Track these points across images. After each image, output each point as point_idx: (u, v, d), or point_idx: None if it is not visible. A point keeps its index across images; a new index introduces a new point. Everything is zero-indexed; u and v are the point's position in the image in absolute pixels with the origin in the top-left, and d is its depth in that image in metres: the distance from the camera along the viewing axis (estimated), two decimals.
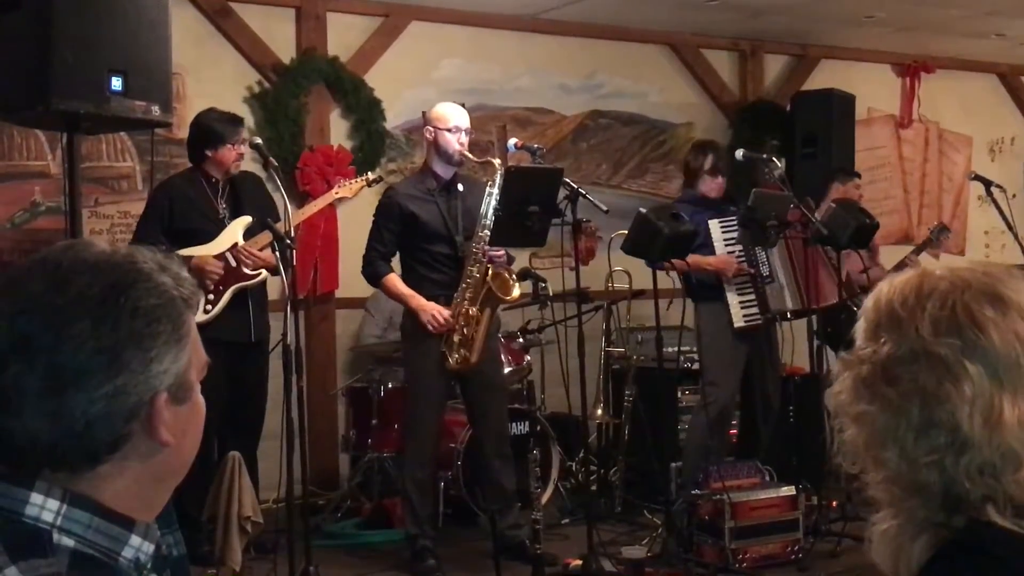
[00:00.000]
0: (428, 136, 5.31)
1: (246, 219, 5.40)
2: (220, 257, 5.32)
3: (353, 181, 5.75)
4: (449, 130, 5.21)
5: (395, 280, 5.24)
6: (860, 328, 1.42)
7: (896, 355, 1.35)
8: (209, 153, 5.39)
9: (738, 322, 5.66)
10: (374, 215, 5.36)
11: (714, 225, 5.65)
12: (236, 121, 5.50)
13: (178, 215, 5.35)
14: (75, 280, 1.21)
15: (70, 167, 4.07)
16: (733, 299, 5.68)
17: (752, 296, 5.72)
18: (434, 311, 5.08)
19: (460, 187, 5.27)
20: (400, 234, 5.23)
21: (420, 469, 5.26)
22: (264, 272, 5.38)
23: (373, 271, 5.29)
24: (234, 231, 5.38)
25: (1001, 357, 1.33)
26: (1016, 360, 1.33)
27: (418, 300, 5.14)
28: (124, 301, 1.21)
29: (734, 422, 6.16)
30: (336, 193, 5.70)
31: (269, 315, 5.56)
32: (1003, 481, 1.31)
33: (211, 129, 5.37)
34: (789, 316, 5.93)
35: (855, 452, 1.42)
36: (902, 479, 1.36)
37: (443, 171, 5.25)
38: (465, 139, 5.23)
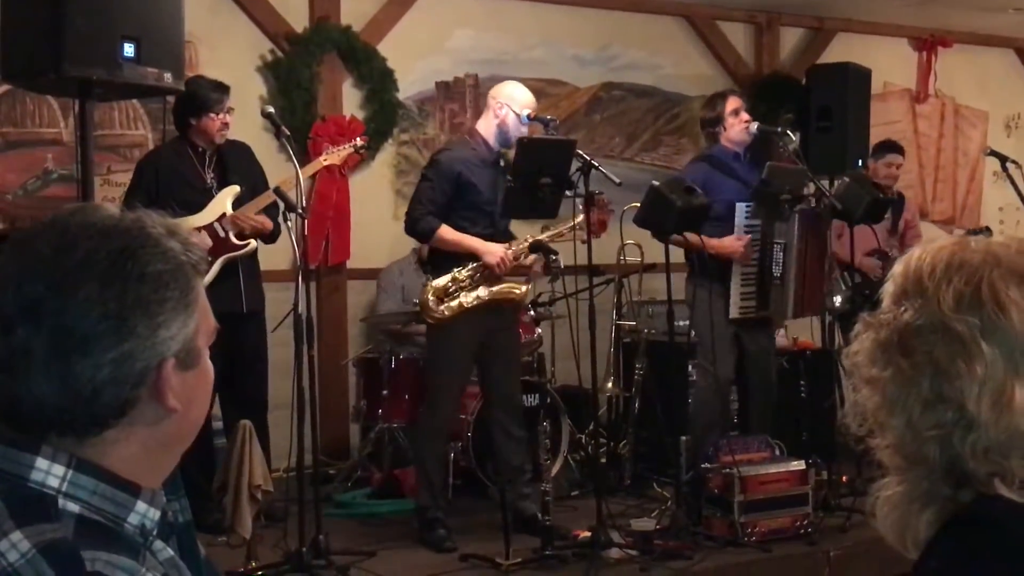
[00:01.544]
0: (499, 111, 5.22)
1: (235, 188, 5.35)
2: (209, 227, 5.28)
3: (341, 148, 5.68)
4: (519, 115, 5.18)
5: (450, 230, 5.12)
6: (888, 290, 1.41)
7: (915, 325, 1.34)
8: (193, 122, 5.33)
9: (733, 312, 5.60)
10: (425, 172, 5.26)
11: (740, 208, 5.58)
12: (220, 89, 5.40)
13: (164, 185, 5.31)
14: (82, 244, 1.20)
15: (82, 134, 4.06)
16: (736, 287, 5.60)
17: (754, 290, 5.63)
18: (500, 254, 5.07)
19: (502, 163, 5.26)
20: (452, 197, 5.15)
21: (438, 441, 5.26)
22: (253, 242, 5.35)
23: (426, 226, 5.14)
24: (222, 201, 5.33)
25: (1019, 340, 1.31)
26: None
27: (481, 243, 5.10)
28: (132, 266, 1.21)
29: (734, 398, 6.10)
30: (324, 160, 5.62)
31: (263, 284, 5.55)
32: (1011, 462, 1.30)
33: (194, 97, 5.26)
34: (786, 324, 5.86)
35: (864, 414, 1.41)
36: (906, 448, 1.36)
37: (496, 145, 5.23)
38: (525, 128, 5.22)
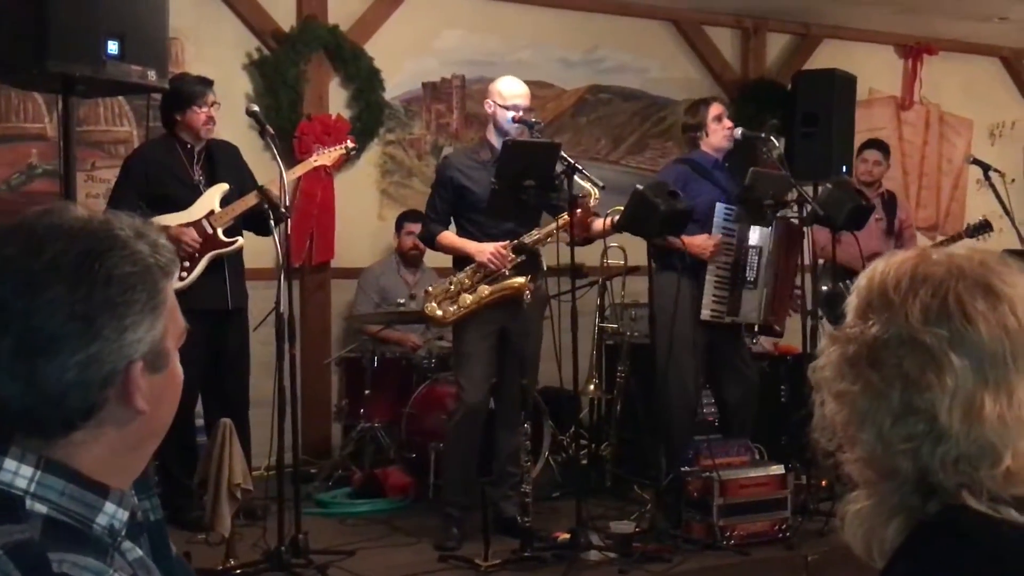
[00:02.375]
0: (488, 109, 5.33)
1: (223, 186, 5.36)
2: (197, 224, 5.29)
3: (331, 149, 5.69)
4: (507, 107, 5.22)
5: (448, 235, 5.30)
6: (852, 304, 1.41)
7: (883, 338, 1.35)
8: (178, 117, 5.35)
9: (705, 314, 5.58)
10: (434, 184, 5.42)
11: (719, 208, 5.59)
12: (203, 83, 5.42)
13: (153, 181, 5.33)
14: (50, 246, 1.21)
15: (65, 131, 4.05)
16: (709, 289, 5.58)
17: (727, 293, 5.62)
18: (490, 251, 5.12)
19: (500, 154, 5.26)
20: (453, 203, 5.28)
21: (466, 437, 5.23)
22: (240, 240, 5.36)
23: (427, 233, 5.38)
24: (211, 198, 5.34)
25: (987, 351, 1.32)
26: (1002, 355, 1.32)
27: (473, 244, 5.19)
28: (99, 268, 1.21)
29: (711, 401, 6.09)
30: (315, 160, 5.62)
31: (247, 283, 5.55)
32: (980, 473, 1.31)
33: (178, 92, 5.28)
34: (756, 330, 5.85)
35: (832, 428, 1.42)
36: (876, 461, 1.37)
37: (497, 143, 5.24)
38: (523, 115, 5.24)
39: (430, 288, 5.26)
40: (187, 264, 5.21)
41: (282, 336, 4.74)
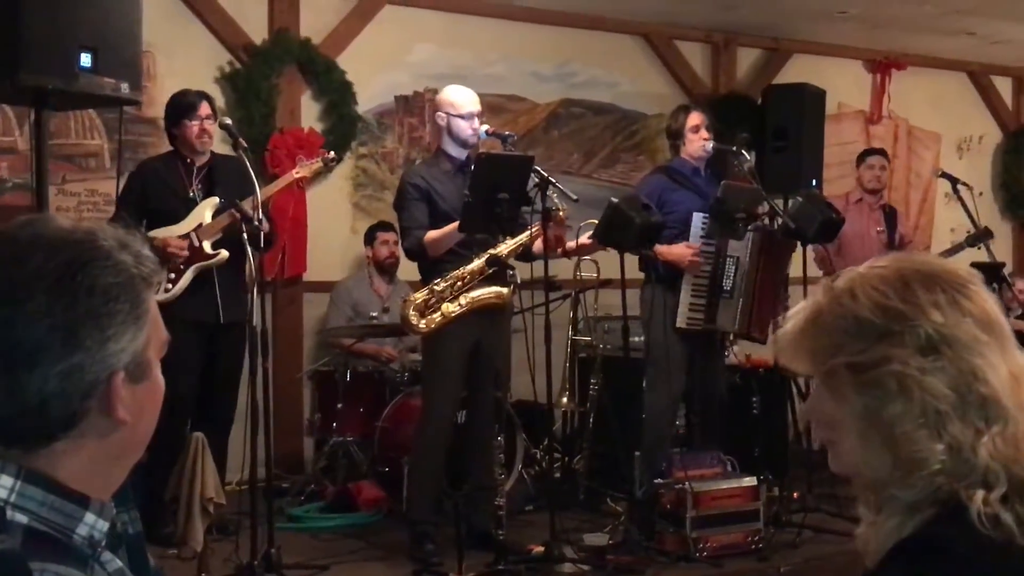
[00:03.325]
0: (440, 122, 5.27)
1: (214, 200, 5.37)
2: (185, 237, 5.31)
3: (312, 161, 5.67)
4: (462, 116, 5.20)
5: (432, 233, 5.11)
6: (826, 334, 1.40)
7: (918, 345, 1.35)
8: (175, 132, 5.42)
9: (680, 321, 5.62)
10: (398, 200, 5.27)
11: (697, 218, 5.62)
12: (196, 96, 5.44)
13: (151, 195, 5.38)
14: (32, 256, 1.21)
15: (38, 144, 4.03)
16: (685, 297, 5.61)
17: (703, 301, 5.65)
18: None
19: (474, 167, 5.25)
20: (426, 211, 5.17)
21: (434, 451, 5.20)
22: (223, 252, 5.32)
23: (413, 241, 5.14)
24: (201, 212, 5.36)
25: (995, 325, 1.36)
26: (1004, 327, 1.38)
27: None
28: (81, 278, 1.21)
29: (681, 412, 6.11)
30: (296, 173, 5.61)
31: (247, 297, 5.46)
32: (1019, 450, 1.33)
33: (171, 107, 5.39)
34: (732, 337, 5.88)
35: (871, 459, 1.38)
36: (947, 471, 1.33)
37: (457, 153, 5.24)
38: (478, 123, 5.22)
39: (410, 297, 5.13)
40: (172, 276, 5.20)
41: (255, 350, 4.72)
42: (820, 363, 1.41)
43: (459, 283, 5.09)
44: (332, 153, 5.81)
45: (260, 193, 4.90)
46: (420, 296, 5.06)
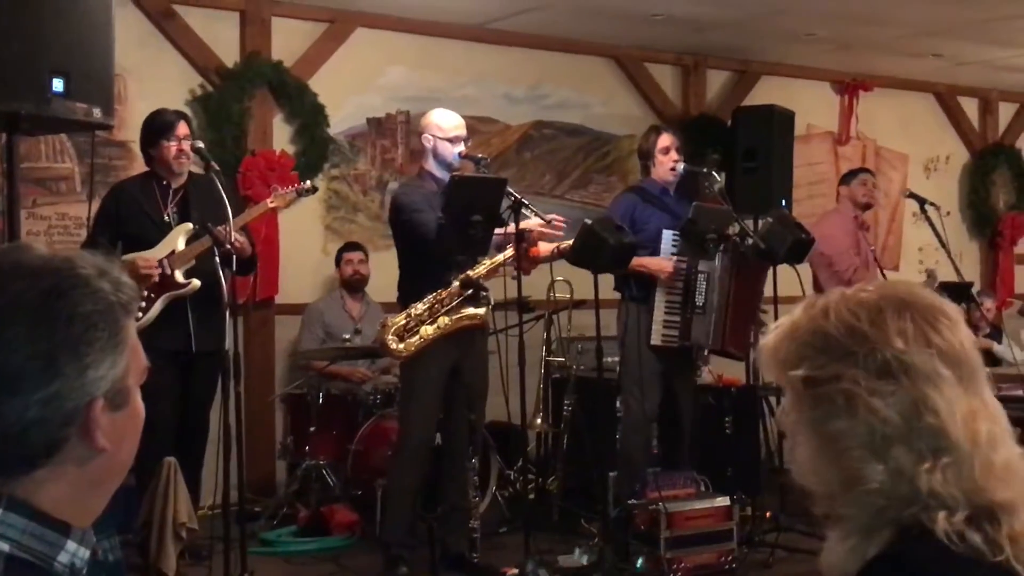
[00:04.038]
0: (426, 143, 5.29)
1: (187, 226, 5.29)
2: (159, 265, 5.21)
3: (287, 191, 5.56)
4: (449, 140, 5.22)
5: None
6: (795, 347, 1.44)
7: (872, 368, 1.38)
8: (152, 152, 5.34)
9: (655, 339, 5.66)
10: (400, 212, 5.18)
11: (667, 235, 5.66)
12: (174, 115, 5.38)
13: (126, 218, 5.29)
14: (11, 284, 1.21)
15: (9, 169, 4.00)
16: (659, 315, 5.65)
17: (677, 318, 5.69)
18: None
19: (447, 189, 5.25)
20: (401, 237, 5.18)
21: (410, 473, 5.18)
22: (195, 282, 5.22)
23: (428, 223, 5.02)
24: (174, 238, 5.27)
25: (963, 362, 1.38)
26: (973, 365, 1.40)
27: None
28: (60, 306, 1.21)
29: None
30: (270, 203, 5.50)
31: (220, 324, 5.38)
32: (978, 480, 1.34)
33: (148, 127, 5.31)
34: (706, 352, 5.91)
35: (818, 470, 1.42)
36: (885, 492, 1.37)
37: (441, 174, 5.24)
38: (463, 147, 5.24)
39: (388, 322, 5.10)
40: (143, 304, 5.08)
41: (227, 373, 4.69)
42: (785, 373, 1.46)
43: (437, 305, 5.09)
44: (309, 183, 5.70)
45: (234, 221, 4.85)
46: (399, 320, 5.05)
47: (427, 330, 5.06)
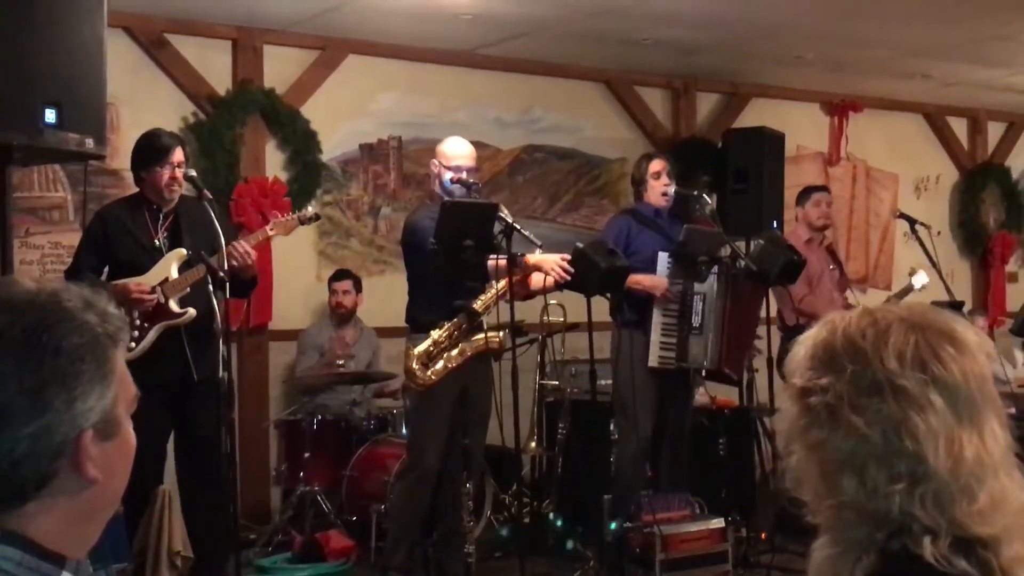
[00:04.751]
0: (434, 169, 5.36)
1: (181, 252, 5.02)
2: (152, 291, 4.94)
3: (287, 218, 5.35)
4: (451, 168, 5.25)
5: None
6: (809, 357, 1.46)
7: (861, 385, 1.40)
8: (143, 175, 5.05)
9: (652, 360, 5.67)
10: (416, 235, 5.18)
11: (663, 257, 5.69)
12: (170, 139, 5.12)
13: (114, 243, 5.03)
14: None
15: (2, 198, 4.02)
16: (655, 336, 5.67)
17: (674, 339, 5.71)
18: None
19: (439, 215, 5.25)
20: (415, 262, 5.19)
21: (418, 497, 5.16)
22: (191, 311, 4.97)
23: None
24: (167, 265, 5.00)
25: (961, 393, 1.39)
26: (972, 396, 1.40)
27: None
28: (47, 340, 1.22)
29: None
30: (270, 231, 5.25)
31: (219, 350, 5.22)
32: (956, 513, 1.36)
33: (141, 149, 5.06)
34: (703, 374, 5.91)
35: (805, 478, 1.46)
36: (856, 506, 1.40)
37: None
38: (465, 176, 5.25)
39: (412, 351, 5.03)
40: (135, 334, 4.84)
41: (221, 400, 4.67)
42: (788, 380, 1.50)
43: (456, 332, 5.09)
44: (312, 211, 5.48)
45: (238, 244, 4.78)
46: (423, 347, 5.02)
47: (451, 356, 5.06)
